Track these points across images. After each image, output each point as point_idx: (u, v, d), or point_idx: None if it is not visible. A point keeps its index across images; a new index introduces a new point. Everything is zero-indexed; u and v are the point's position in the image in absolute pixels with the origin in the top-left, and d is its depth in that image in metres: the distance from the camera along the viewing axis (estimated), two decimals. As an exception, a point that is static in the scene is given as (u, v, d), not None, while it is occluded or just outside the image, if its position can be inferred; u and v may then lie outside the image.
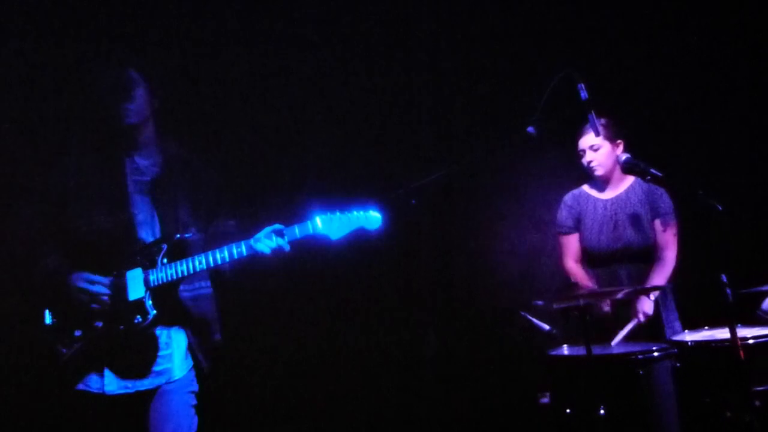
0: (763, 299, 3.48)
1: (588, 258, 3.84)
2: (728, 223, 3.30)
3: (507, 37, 4.42)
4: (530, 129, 3.45)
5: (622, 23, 4.40)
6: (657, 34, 4.38)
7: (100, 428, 2.81)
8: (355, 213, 2.81)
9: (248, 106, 4.17)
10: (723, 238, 3.39)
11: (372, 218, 2.82)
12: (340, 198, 2.85)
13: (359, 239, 2.81)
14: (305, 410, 4.27)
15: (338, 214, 2.80)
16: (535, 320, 3.63)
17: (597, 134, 3.73)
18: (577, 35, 4.37)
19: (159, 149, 2.99)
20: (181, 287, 2.90)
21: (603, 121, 3.77)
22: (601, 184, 3.89)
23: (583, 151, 3.83)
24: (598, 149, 3.79)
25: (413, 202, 3.13)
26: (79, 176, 2.90)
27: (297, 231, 2.80)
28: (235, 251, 2.80)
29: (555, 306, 3.47)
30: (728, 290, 3.13)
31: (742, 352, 3.11)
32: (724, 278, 3.14)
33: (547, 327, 3.59)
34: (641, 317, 3.65)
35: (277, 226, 2.82)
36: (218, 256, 2.81)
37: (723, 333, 3.34)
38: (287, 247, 2.80)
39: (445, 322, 4.45)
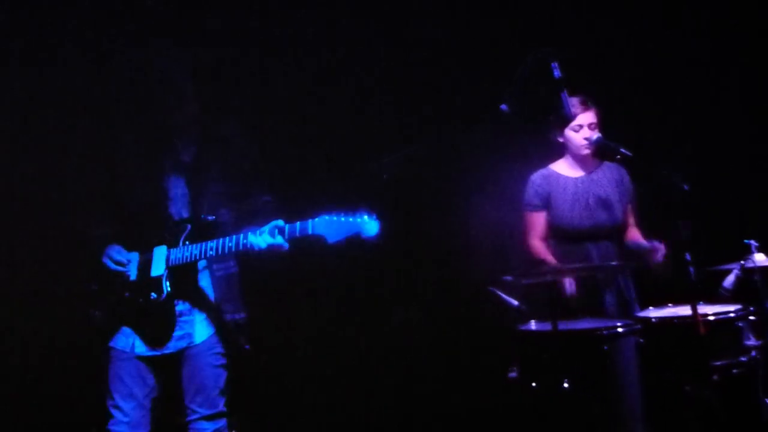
0: (725, 277, 3.57)
1: (559, 236, 3.89)
2: (692, 203, 3.38)
3: (485, 15, 4.43)
4: (503, 106, 3.47)
5: (594, 5, 4.43)
6: (626, 16, 4.41)
7: (127, 382, 3.05)
8: (354, 218, 2.88)
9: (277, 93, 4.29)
10: (687, 218, 3.48)
11: (370, 225, 2.88)
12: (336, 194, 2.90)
13: (354, 245, 2.88)
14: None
15: (338, 216, 2.87)
16: (504, 295, 3.68)
17: (589, 109, 3.79)
18: (552, 16, 4.38)
19: (199, 130, 3.14)
20: (214, 266, 3.10)
21: (594, 100, 3.82)
22: (571, 164, 3.93)
23: (581, 126, 3.83)
24: (594, 128, 3.82)
25: (385, 176, 3.15)
26: (126, 156, 3.14)
27: (297, 229, 2.90)
28: (241, 242, 2.93)
29: (523, 282, 3.53)
30: (691, 268, 3.22)
31: (702, 329, 3.20)
32: (687, 256, 3.23)
33: (515, 302, 3.64)
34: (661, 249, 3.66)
35: (279, 222, 2.93)
36: (227, 244, 2.95)
37: (686, 310, 3.43)
38: (286, 246, 2.92)
39: (418, 297, 4.51)
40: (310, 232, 2.87)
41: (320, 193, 4.15)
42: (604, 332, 3.32)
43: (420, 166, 4.12)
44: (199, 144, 3.13)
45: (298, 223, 2.91)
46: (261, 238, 2.90)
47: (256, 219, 3.00)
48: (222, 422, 3.10)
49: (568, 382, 3.17)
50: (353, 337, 4.43)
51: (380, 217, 2.89)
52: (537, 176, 3.96)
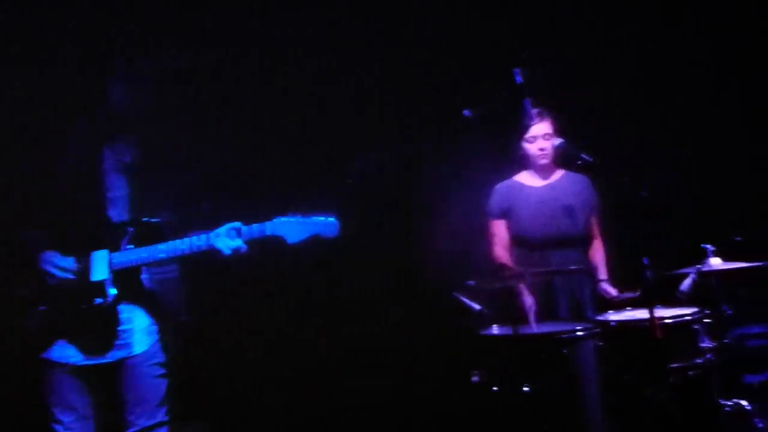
0: (682, 281, 3.64)
1: (521, 245, 3.92)
2: (651, 209, 3.45)
3: (450, 25, 4.46)
4: (466, 112, 3.51)
5: (562, 14, 4.49)
6: (591, 24, 4.48)
7: (64, 395, 2.93)
8: (314, 219, 2.88)
9: (229, 98, 4.22)
10: (645, 223, 3.54)
11: (330, 225, 2.89)
12: (300, 197, 2.89)
13: (315, 245, 2.88)
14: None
15: (297, 217, 2.87)
16: (466, 300, 3.71)
17: (543, 120, 3.83)
18: (520, 26, 4.43)
19: (141, 131, 3.05)
20: (153, 270, 3.00)
21: (550, 110, 3.86)
22: (537, 173, 3.96)
23: (535, 137, 3.88)
24: (549, 138, 3.86)
25: (349, 181, 3.17)
26: (64, 154, 2.99)
27: (255, 230, 2.88)
28: (194, 244, 2.87)
29: (486, 287, 3.56)
30: (648, 273, 3.28)
31: (659, 332, 3.26)
32: (645, 261, 3.28)
33: (478, 307, 3.67)
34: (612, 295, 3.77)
35: (236, 224, 2.88)
36: (179, 247, 2.88)
37: (643, 313, 3.48)
38: (244, 248, 2.88)
39: (384, 302, 4.52)
40: (268, 233, 2.85)
41: (283, 196, 4.13)
42: (564, 336, 3.37)
43: (386, 172, 4.16)
44: (141, 144, 3.04)
45: (256, 224, 2.88)
46: (218, 240, 2.85)
47: (203, 222, 2.94)
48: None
49: (528, 386, 3.21)
50: (316, 339, 4.43)
51: (342, 219, 2.90)
52: (501, 186, 3.99)
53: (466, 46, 4.38)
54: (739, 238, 3.62)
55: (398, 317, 4.48)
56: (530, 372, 3.28)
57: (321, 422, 4.31)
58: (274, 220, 2.86)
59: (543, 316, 3.68)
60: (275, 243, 2.87)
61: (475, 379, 3.55)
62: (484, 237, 3.97)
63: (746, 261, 3.57)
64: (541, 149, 3.87)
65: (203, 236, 2.88)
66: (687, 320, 3.43)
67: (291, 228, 2.84)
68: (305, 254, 2.98)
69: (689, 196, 4.38)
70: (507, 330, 3.41)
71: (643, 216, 3.62)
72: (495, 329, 3.59)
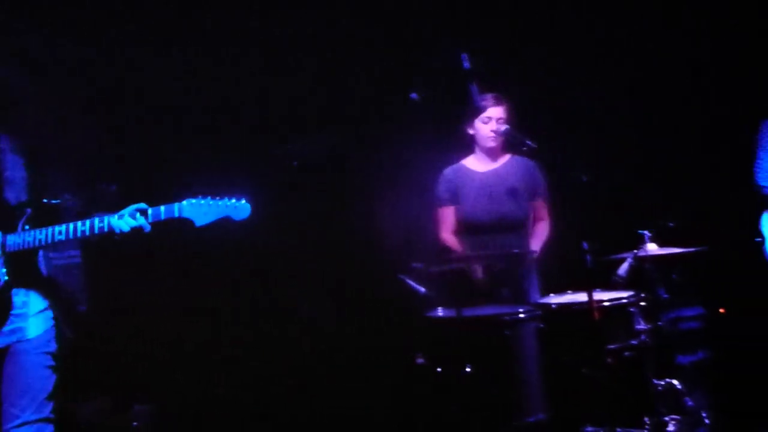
0: (620, 265, 3.76)
1: (466, 228, 3.99)
2: (591, 194, 3.55)
3: (399, 8, 4.47)
4: (413, 95, 3.54)
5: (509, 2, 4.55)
6: (539, 13, 4.56)
7: None
8: (223, 201, 2.82)
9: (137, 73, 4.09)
10: (585, 208, 3.64)
11: (240, 208, 2.84)
12: (216, 180, 2.85)
13: (224, 228, 2.83)
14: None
15: (206, 200, 2.81)
16: (412, 283, 3.76)
17: (500, 104, 3.88)
18: (467, 11, 4.47)
19: (42, 109, 2.97)
20: (52, 254, 2.88)
21: (503, 95, 3.91)
22: (481, 158, 4.03)
23: (490, 119, 3.92)
24: (501, 122, 3.91)
25: (294, 163, 3.16)
26: None
27: (162, 212, 2.80)
28: (96, 225, 2.78)
29: (432, 269, 3.61)
30: (588, 257, 3.37)
31: (596, 314, 3.37)
32: (584, 245, 3.38)
33: (423, 289, 3.72)
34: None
35: (142, 205, 2.81)
36: (79, 228, 2.78)
37: (583, 296, 3.58)
38: (148, 228, 2.79)
39: (329, 286, 4.53)
40: (176, 215, 2.78)
41: (194, 177, 4.02)
42: (507, 318, 3.44)
43: (331, 154, 4.16)
44: (40, 124, 2.96)
45: (163, 206, 2.80)
46: (122, 221, 2.76)
47: (105, 204, 2.86)
48: (48, 430, 2.84)
49: (470, 367, 3.27)
50: (262, 325, 4.42)
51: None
52: (449, 171, 4.04)
53: (411, 29, 4.41)
54: (672, 224, 3.75)
55: (343, 300, 4.50)
56: (473, 353, 3.34)
57: (251, 408, 4.30)
58: (183, 201, 2.79)
59: (488, 298, 3.76)
60: (182, 225, 2.80)
61: (420, 361, 3.61)
62: (432, 221, 4.02)
63: (681, 246, 3.71)
64: (493, 131, 3.93)
65: (105, 217, 2.79)
66: (623, 303, 3.55)
67: (199, 210, 2.78)
68: (239, 237, 2.93)
69: (628, 181, 4.50)
70: (451, 312, 3.47)
71: (583, 201, 3.73)
72: (440, 311, 3.65)
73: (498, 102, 3.92)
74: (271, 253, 4.29)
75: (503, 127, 3.88)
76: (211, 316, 4.37)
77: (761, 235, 4.01)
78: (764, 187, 3.99)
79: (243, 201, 2.84)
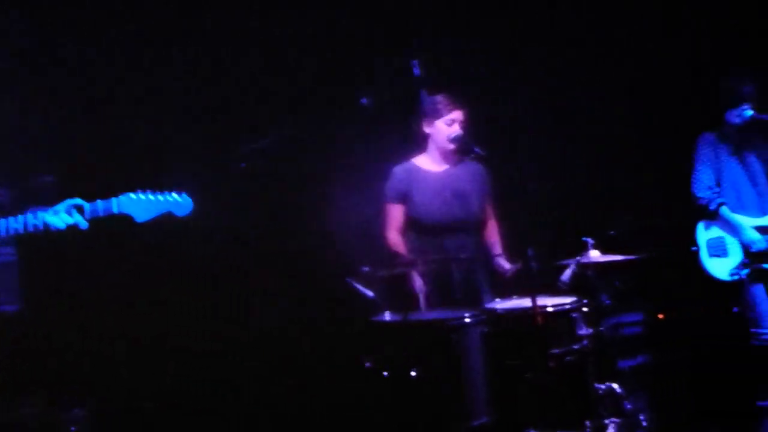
0: (563, 271, 3.84)
1: (417, 228, 4.00)
2: (538, 202, 3.62)
3: (351, 11, 4.49)
4: (363, 100, 3.55)
5: (461, 6, 4.61)
6: (489, 18, 4.63)
7: None
8: (164, 196, 2.77)
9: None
10: (531, 215, 3.71)
11: (183, 203, 2.79)
12: (161, 177, 2.79)
13: (166, 223, 2.78)
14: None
15: (147, 195, 2.74)
16: (360, 287, 3.76)
17: (462, 108, 3.91)
18: (416, 14, 4.51)
19: None
20: None
21: (448, 97, 3.94)
22: (431, 159, 4.06)
23: (453, 121, 3.95)
24: (461, 126, 3.95)
25: (242, 165, 3.13)
26: None
27: (100, 208, 2.71)
28: (30, 223, 2.69)
29: (380, 273, 3.63)
30: (532, 263, 3.44)
31: (540, 319, 3.44)
32: (529, 252, 3.45)
33: (370, 293, 3.73)
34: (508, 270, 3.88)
35: (78, 200, 2.72)
36: (12, 226, 2.69)
37: (528, 302, 3.65)
38: (84, 225, 2.71)
39: (277, 289, 4.50)
40: (115, 211, 2.70)
41: (137, 172, 3.93)
42: (452, 323, 3.48)
43: (280, 156, 4.14)
44: None
45: (101, 201, 2.72)
46: (57, 217, 2.68)
47: (41, 198, 2.79)
48: None
49: (416, 371, 3.30)
50: (208, 326, 4.36)
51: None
52: (399, 169, 4.06)
53: (361, 32, 4.43)
54: (613, 233, 3.85)
55: (291, 302, 4.48)
56: (419, 357, 3.37)
57: (194, 410, 4.24)
58: (120, 196, 2.71)
59: (438, 302, 3.79)
60: (120, 221, 2.74)
61: (367, 364, 3.62)
62: (381, 220, 4.04)
63: (622, 254, 3.82)
64: (452, 134, 3.94)
65: (39, 213, 2.70)
66: (566, 309, 3.62)
67: (139, 206, 2.70)
68: (187, 236, 2.87)
69: (572, 190, 4.61)
70: (398, 317, 3.49)
71: (529, 208, 3.80)
72: (387, 315, 3.67)
73: (460, 106, 3.96)
74: (219, 254, 4.24)
75: (455, 133, 3.92)
76: (155, 315, 4.30)
77: (697, 244, 4.16)
78: (700, 198, 4.13)
79: (184, 196, 2.78)
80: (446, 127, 3.96)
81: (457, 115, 3.95)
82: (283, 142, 3.32)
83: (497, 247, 3.99)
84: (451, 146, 3.97)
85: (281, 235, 4.46)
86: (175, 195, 2.76)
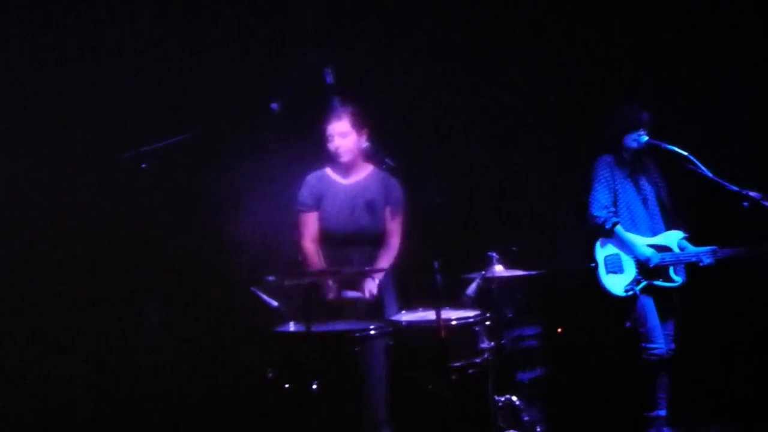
0: (469, 285, 3.90)
1: (325, 239, 3.98)
2: (445, 215, 3.66)
3: (264, 14, 4.42)
4: (273, 105, 3.49)
5: (377, 17, 4.62)
6: (406, 30, 4.67)
7: None
8: None
9: None
10: (438, 229, 3.75)
11: None
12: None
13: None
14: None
15: None
16: (264, 296, 3.69)
17: (340, 119, 3.90)
18: (334, 23, 4.50)
19: None
20: None
21: (350, 108, 3.93)
22: (344, 169, 4.03)
23: (332, 136, 3.94)
24: (346, 136, 3.93)
25: (143, 166, 3.01)
26: None
27: None
28: None
29: (286, 283, 3.56)
30: (438, 276, 3.47)
31: (443, 332, 3.47)
32: (435, 265, 3.48)
33: (275, 303, 3.67)
34: (367, 294, 3.88)
35: None
36: None
37: (432, 314, 3.67)
38: None
39: (179, 295, 4.37)
40: None
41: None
42: (357, 334, 3.46)
43: (185, 159, 4.02)
44: None
45: None
46: None
47: None
48: None
49: (317, 384, 3.26)
50: (108, 337, 4.18)
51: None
52: (312, 176, 4.02)
53: (276, 39, 4.38)
54: (515, 248, 3.95)
55: (193, 311, 4.35)
56: (322, 369, 3.33)
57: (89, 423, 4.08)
58: None
59: (345, 313, 3.76)
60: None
61: (270, 375, 3.55)
62: (294, 227, 3.98)
63: (524, 269, 3.92)
64: (336, 147, 3.94)
65: None
66: (470, 322, 3.67)
67: None
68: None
69: (479, 205, 4.70)
70: (302, 327, 3.44)
71: (437, 222, 3.84)
72: (291, 326, 3.61)
73: (338, 117, 3.93)
74: (119, 258, 4.07)
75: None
76: (54, 317, 4.08)
77: (595, 261, 4.32)
78: (597, 216, 4.29)
79: None
80: (328, 143, 3.93)
81: (334, 128, 3.92)
82: (188, 144, 3.21)
83: (378, 262, 3.95)
84: (342, 159, 3.93)
85: (185, 240, 4.33)
86: None
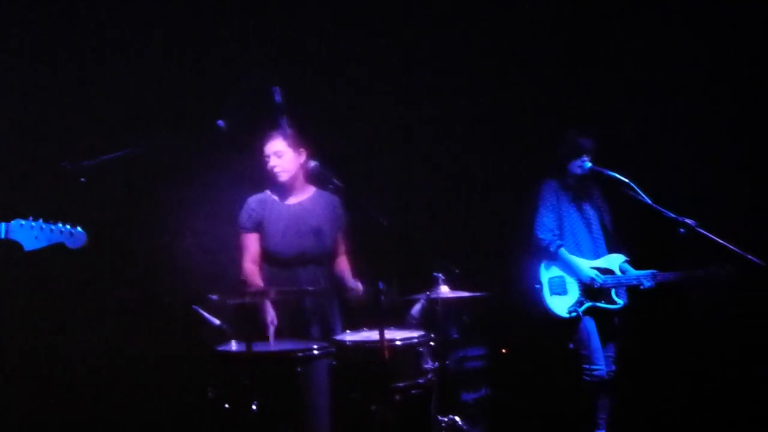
0: (413, 305, 3.92)
1: (269, 260, 3.95)
2: (390, 236, 3.67)
3: (209, 29, 4.40)
4: (219, 122, 3.47)
5: (319, 38, 4.64)
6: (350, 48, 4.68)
7: None
8: (57, 227, 2.75)
9: None
10: (383, 249, 3.75)
11: (76, 236, 2.78)
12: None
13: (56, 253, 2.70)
14: None
15: (39, 223, 2.70)
16: (206, 315, 3.64)
17: (285, 138, 3.89)
18: (279, 43, 4.50)
19: None
20: None
21: (286, 128, 3.92)
22: (285, 190, 3.99)
23: (269, 156, 3.91)
24: (282, 156, 3.90)
25: (82, 180, 2.97)
26: None
27: None
28: None
29: (228, 302, 3.52)
30: (382, 296, 3.47)
31: (387, 352, 3.46)
32: (380, 285, 3.48)
33: (217, 322, 3.62)
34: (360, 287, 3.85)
35: None
36: None
37: (376, 335, 3.66)
38: None
39: (119, 314, 4.27)
40: (2, 236, 2.67)
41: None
42: (299, 354, 3.43)
43: (127, 175, 3.95)
44: None
45: None
46: None
47: None
48: None
49: (257, 405, 3.21)
50: (45, 354, 4.05)
51: (84, 227, 2.74)
52: (253, 200, 3.98)
53: (223, 54, 4.35)
54: (457, 271, 3.98)
55: (133, 328, 4.25)
56: (261, 390, 3.29)
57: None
58: (11, 222, 2.67)
59: (288, 333, 3.73)
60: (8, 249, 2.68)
61: (210, 395, 3.49)
62: (236, 249, 3.94)
63: (469, 290, 3.94)
64: (272, 167, 3.91)
65: None
66: (414, 342, 3.67)
67: (29, 233, 2.68)
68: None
69: (423, 227, 4.73)
70: (244, 346, 3.39)
71: (383, 243, 3.85)
72: (233, 345, 3.56)
73: (273, 137, 3.91)
74: (55, 273, 3.96)
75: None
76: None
77: (539, 283, 4.38)
78: (542, 239, 4.37)
79: (78, 229, 2.78)
80: (265, 163, 3.90)
81: (270, 148, 3.89)
82: (130, 160, 3.16)
83: (347, 276, 3.98)
84: (281, 180, 3.90)
85: (126, 257, 4.24)
86: (68, 227, 2.74)
